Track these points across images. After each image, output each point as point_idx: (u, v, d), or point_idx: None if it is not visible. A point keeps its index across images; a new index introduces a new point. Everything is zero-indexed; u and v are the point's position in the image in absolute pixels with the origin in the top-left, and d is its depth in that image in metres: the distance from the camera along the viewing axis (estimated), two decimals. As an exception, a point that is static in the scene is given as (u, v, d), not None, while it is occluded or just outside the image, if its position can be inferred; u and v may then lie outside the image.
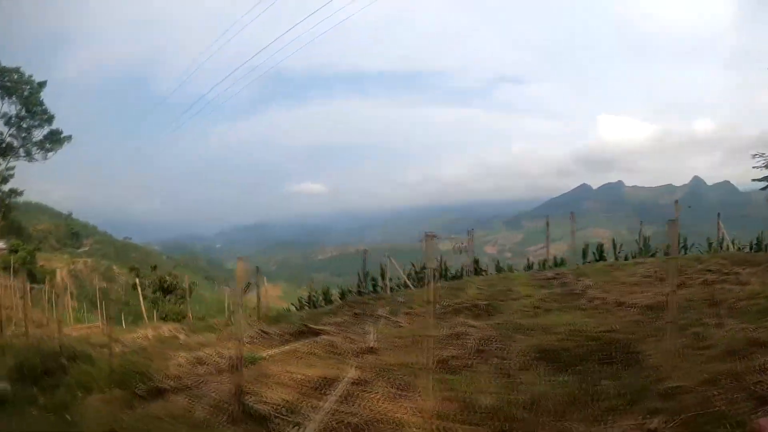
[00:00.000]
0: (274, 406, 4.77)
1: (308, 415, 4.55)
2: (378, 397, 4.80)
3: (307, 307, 15.83)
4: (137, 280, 21.36)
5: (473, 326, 7.24)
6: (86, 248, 44.74)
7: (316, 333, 8.31)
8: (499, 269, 15.55)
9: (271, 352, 6.99)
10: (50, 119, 21.45)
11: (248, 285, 10.82)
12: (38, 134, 21.31)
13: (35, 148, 21.33)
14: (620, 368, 5.36)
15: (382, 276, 14.29)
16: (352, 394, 4.94)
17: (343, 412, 4.56)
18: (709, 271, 10.29)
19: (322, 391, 5.10)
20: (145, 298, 31.79)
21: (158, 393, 5.82)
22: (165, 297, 29.66)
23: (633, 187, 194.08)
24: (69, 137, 21.92)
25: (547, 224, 16.50)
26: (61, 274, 10.52)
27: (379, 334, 7.57)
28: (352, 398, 4.85)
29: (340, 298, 15.01)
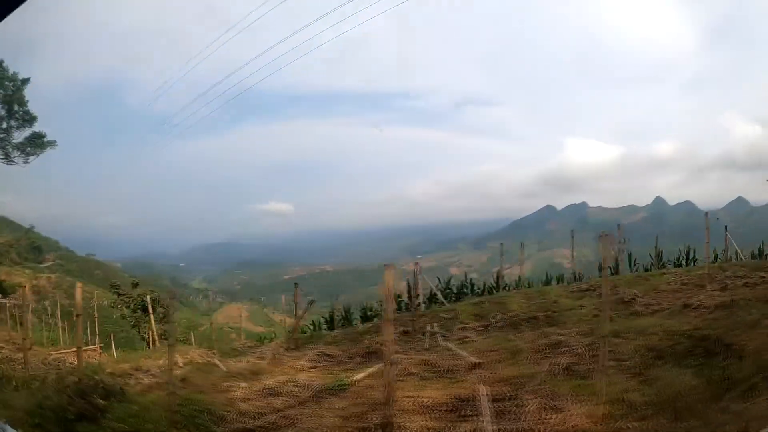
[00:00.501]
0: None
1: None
2: (536, 409, 4.56)
3: (326, 328, 15.20)
4: (149, 299, 19.72)
5: (561, 335, 7.18)
6: (49, 263, 41.46)
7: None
8: (518, 284, 15.63)
9: (357, 376, 6.45)
10: (32, 120, 19.88)
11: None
12: (18, 136, 19.64)
13: (15, 151, 19.62)
14: (724, 357, 5.57)
15: (409, 293, 14.04)
16: (504, 411, 4.66)
17: (512, 430, 4.28)
18: (738, 276, 10.92)
19: (461, 413, 4.76)
20: (124, 317, 29.52)
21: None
22: (146, 316, 27.70)
23: (597, 207, 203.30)
24: (53, 142, 20.37)
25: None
26: (80, 292, 8.86)
27: (463, 349, 7.31)
28: (508, 415, 4.58)
29: (361, 318, 14.50)
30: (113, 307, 29.52)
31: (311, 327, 15.50)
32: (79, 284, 8.20)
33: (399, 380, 6.12)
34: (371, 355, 7.73)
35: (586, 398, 4.66)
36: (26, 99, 19.27)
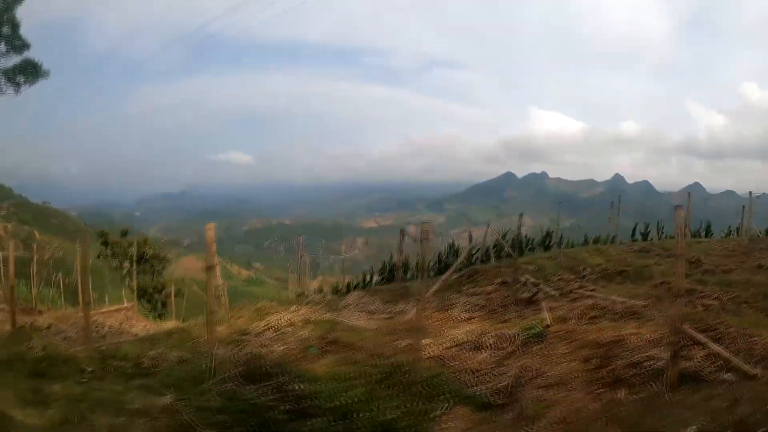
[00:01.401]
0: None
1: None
2: (738, 335, 5.27)
3: (379, 281, 15.37)
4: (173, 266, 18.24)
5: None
6: (3, 212, 37.24)
7: (529, 301, 8.30)
8: (559, 244, 16.51)
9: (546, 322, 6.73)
10: (24, 47, 17.19)
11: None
12: (6, 62, 16.97)
13: (4, 78, 16.99)
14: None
15: (471, 248, 14.48)
16: (715, 338, 5.33)
17: (739, 350, 4.98)
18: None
19: (683, 344, 5.35)
20: (114, 268, 27.72)
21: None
22: (138, 267, 26.20)
23: (556, 179, 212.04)
24: (48, 72, 17.85)
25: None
26: (212, 234, 5.61)
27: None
28: (722, 340, 5.27)
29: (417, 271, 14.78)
30: (100, 258, 27.64)
31: (362, 283, 15.51)
32: (210, 225, 5.88)
33: (587, 323, 6.62)
34: (521, 302, 8.14)
35: (758, 328, 5.43)
36: (19, 20, 16.54)
